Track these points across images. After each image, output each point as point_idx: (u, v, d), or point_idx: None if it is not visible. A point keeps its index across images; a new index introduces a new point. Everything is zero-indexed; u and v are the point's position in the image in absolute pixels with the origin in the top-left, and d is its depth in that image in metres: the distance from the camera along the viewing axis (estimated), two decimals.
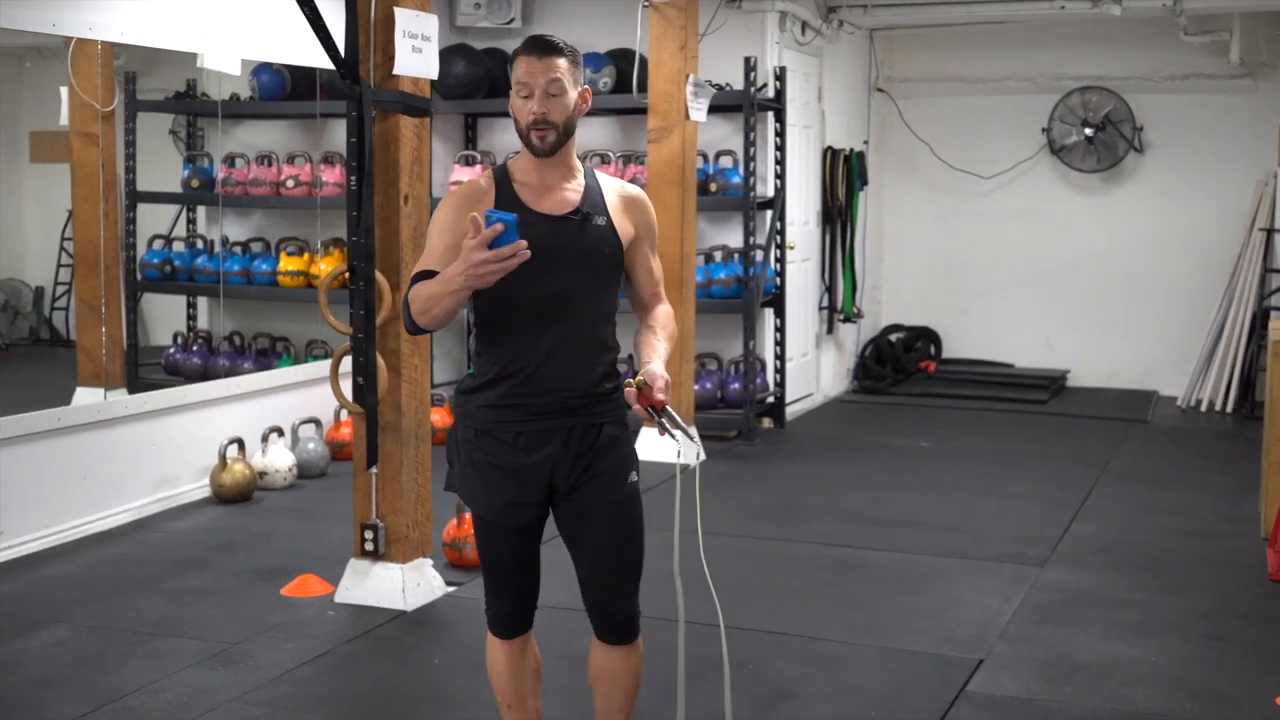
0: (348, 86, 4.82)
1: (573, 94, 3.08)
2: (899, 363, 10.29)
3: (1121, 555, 5.89)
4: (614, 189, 3.24)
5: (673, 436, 2.99)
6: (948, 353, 10.61)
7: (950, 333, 10.62)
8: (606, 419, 3.18)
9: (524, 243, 2.79)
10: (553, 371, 3.10)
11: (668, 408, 2.99)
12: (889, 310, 10.75)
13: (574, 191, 3.16)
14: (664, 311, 3.28)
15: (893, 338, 10.49)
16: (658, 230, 3.32)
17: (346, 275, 4.95)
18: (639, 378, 2.99)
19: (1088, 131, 9.96)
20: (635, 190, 3.28)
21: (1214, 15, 9.22)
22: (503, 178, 3.17)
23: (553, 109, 3.05)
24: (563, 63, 3.06)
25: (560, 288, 3.08)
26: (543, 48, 3.07)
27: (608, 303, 3.19)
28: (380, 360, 4.97)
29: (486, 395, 3.14)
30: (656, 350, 3.13)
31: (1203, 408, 9.38)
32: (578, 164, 3.21)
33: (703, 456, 3.11)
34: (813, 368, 9.49)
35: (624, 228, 3.19)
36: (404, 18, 4.90)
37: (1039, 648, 4.73)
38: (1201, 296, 9.71)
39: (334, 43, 4.77)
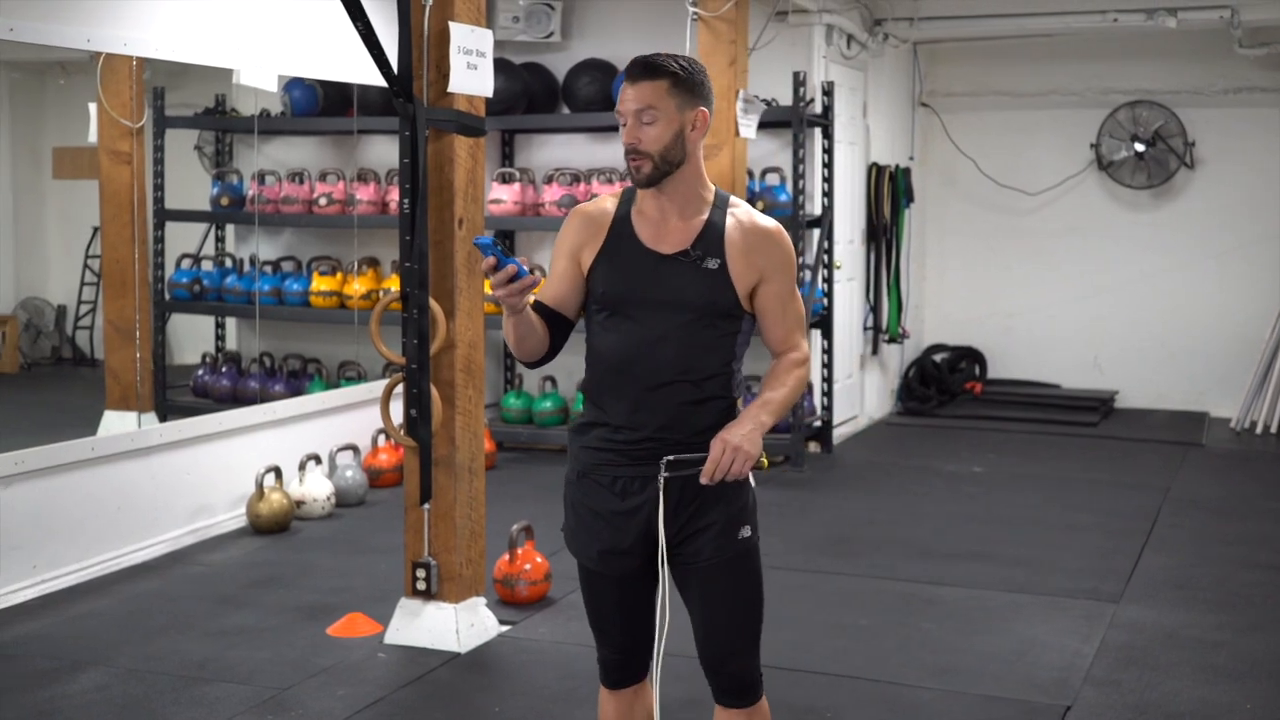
0: (401, 105, 4.60)
1: (675, 120, 2.84)
2: (943, 384, 10.03)
3: (1199, 591, 5.64)
4: (739, 226, 2.92)
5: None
6: (992, 373, 10.34)
7: (995, 353, 10.35)
8: None
9: (513, 268, 2.66)
10: (649, 417, 2.88)
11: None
12: (932, 330, 10.49)
13: (694, 227, 2.91)
14: (784, 363, 2.97)
15: (937, 358, 10.23)
16: (792, 265, 2.98)
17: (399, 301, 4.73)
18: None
19: (1138, 147, 9.70)
20: (766, 225, 2.95)
21: (1271, 27, 8.97)
22: (627, 201, 2.98)
23: (644, 138, 2.83)
24: (661, 85, 2.83)
25: (655, 332, 2.87)
26: (638, 71, 2.85)
27: (714, 353, 2.90)
28: (434, 392, 4.74)
29: (588, 436, 2.97)
30: (746, 415, 2.83)
31: (1257, 430, 9.11)
32: (707, 195, 2.95)
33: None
34: (857, 390, 9.25)
35: (741, 271, 2.89)
36: (459, 33, 4.68)
37: (1128, 694, 4.48)
38: (1255, 316, 9.45)
39: (387, 59, 4.54)
